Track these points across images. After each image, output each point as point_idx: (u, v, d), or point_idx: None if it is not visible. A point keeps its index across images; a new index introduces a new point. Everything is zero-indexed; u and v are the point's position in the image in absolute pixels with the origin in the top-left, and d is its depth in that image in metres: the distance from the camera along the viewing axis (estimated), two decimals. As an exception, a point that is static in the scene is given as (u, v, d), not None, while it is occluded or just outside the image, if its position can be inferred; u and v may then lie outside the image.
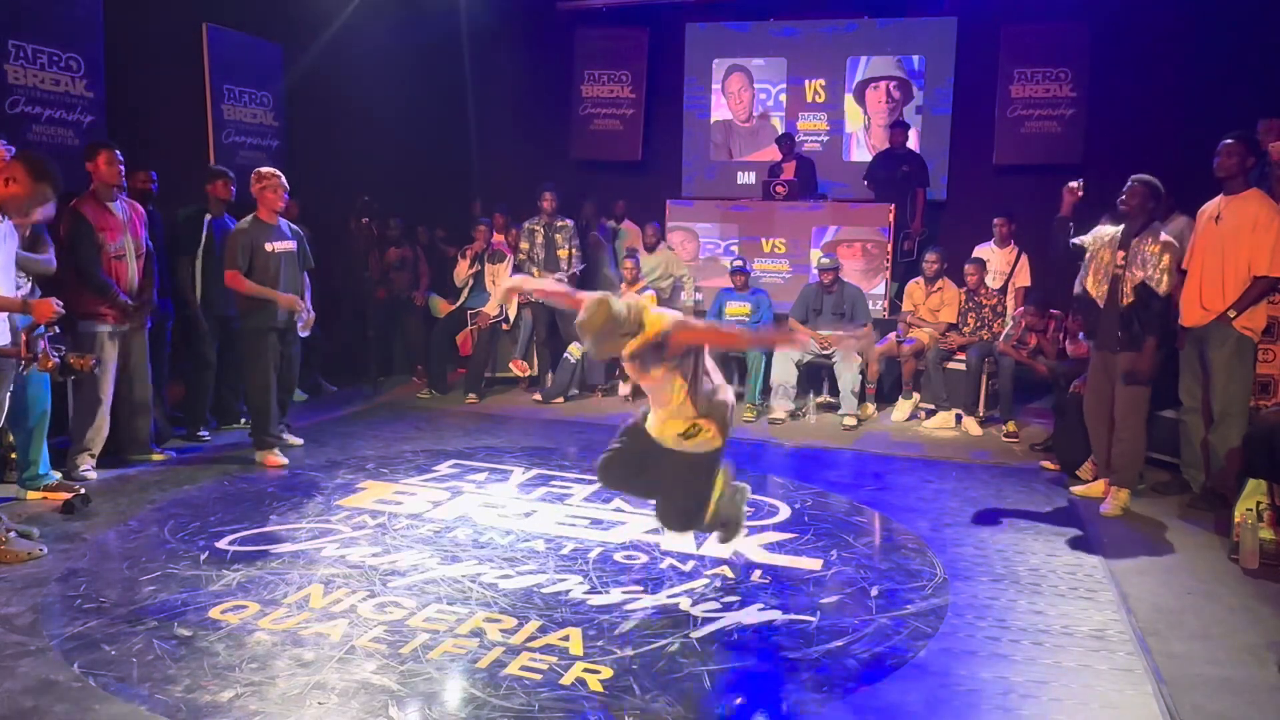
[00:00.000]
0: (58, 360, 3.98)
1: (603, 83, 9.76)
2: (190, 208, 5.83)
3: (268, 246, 5.18)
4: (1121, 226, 4.64)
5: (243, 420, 6.08)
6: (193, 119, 7.03)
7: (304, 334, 5.49)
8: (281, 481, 4.96)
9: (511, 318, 7.61)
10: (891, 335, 6.90)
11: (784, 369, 6.71)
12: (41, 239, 4.45)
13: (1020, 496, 4.97)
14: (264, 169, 5.30)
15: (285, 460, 5.26)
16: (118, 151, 4.89)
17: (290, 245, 5.31)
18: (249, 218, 5.23)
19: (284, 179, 5.27)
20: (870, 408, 6.90)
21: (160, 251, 5.41)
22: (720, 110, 9.74)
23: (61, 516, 4.24)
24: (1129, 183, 4.61)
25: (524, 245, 7.54)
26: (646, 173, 9.79)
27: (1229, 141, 4.63)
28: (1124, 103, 8.14)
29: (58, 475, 4.62)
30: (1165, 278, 4.44)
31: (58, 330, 4.07)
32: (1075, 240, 4.79)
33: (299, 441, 5.66)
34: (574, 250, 7.55)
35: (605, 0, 9.68)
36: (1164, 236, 4.54)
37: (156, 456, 5.25)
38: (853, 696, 2.80)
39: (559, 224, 7.50)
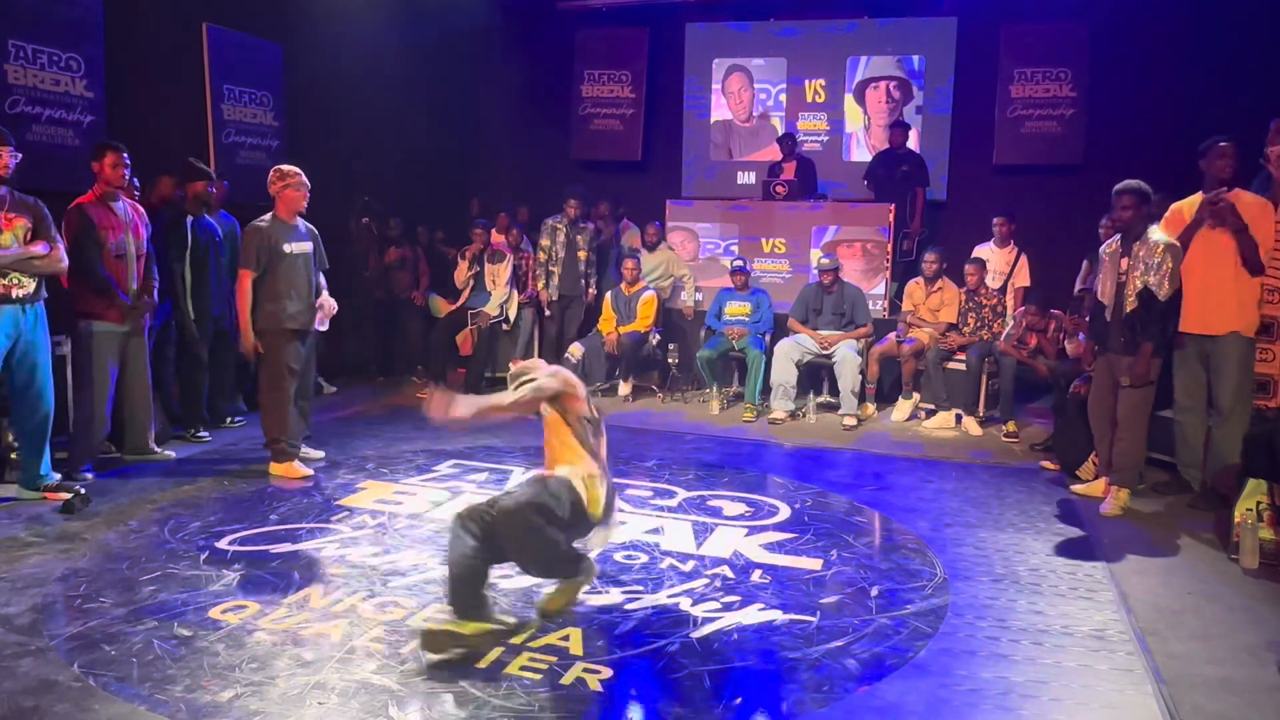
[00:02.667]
0: None
1: (603, 83, 9.76)
2: (170, 211, 5.63)
3: (286, 248, 4.94)
4: (1119, 235, 4.71)
5: (229, 420, 6.07)
6: (193, 119, 7.03)
7: (322, 327, 5.20)
8: (282, 481, 4.96)
9: (511, 318, 7.62)
10: (891, 335, 6.90)
11: (784, 369, 6.70)
12: (49, 235, 4.40)
13: (1020, 496, 4.97)
14: (285, 166, 5.04)
15: (309, 470, 5.05)
16: (125, 154, 4.85)
17: (307, 246, 5.08)
18: (268, 216, 4.97)
19: (304, 177, 5.01)
20: (870, 408, 6.89)
21: (159, 253, 5.40)
22: (720, 110, 9.73)
23: (61, 516, 4.24)
24: (1115, 196, 4.63)
25: (545, 242, 7.57)
26: (646, 173, 9.80)
27: (1221, 145, 4.69)
28: (1124, 103, 8.15)
29: (58, 475, 4.61)
30: (1167, 281, 4.45)
31: None
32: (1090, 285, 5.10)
33: (320, 454, 5.39)
34: (592, 255, 7.60)
35: (605, 0, 9.68)
36: (1165, 238, 4.55)
37: (156, 456, 5.25)
38: (853, 696, 2.80)
39: (581, 225, 7.56)
